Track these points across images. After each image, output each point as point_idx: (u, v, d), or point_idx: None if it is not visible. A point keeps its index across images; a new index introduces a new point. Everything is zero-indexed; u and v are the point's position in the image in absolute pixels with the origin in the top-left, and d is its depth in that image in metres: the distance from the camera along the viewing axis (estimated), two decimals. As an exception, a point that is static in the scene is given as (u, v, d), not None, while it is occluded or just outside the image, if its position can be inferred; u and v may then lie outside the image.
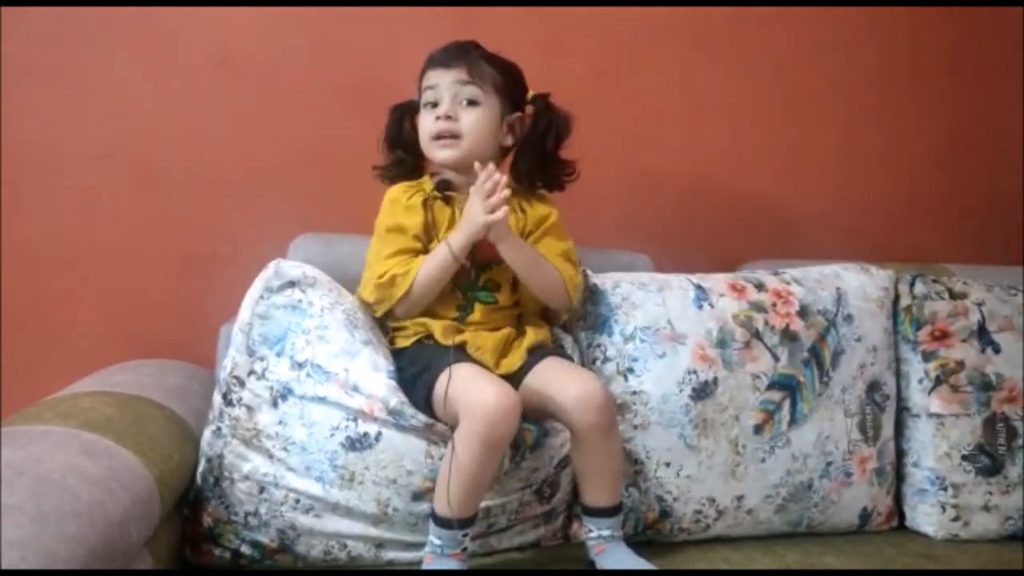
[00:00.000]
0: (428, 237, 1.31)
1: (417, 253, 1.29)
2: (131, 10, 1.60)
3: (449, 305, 1.30)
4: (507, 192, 1.22)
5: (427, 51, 1.33)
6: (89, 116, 1.61)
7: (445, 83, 1.28)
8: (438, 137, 1.29)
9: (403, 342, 1.31)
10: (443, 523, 1.14)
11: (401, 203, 1.31)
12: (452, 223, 1.31)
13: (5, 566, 0.76)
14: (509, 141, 1.34)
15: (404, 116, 1.35)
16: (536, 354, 1.28)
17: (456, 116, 1.28)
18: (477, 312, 1.31)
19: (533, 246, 1.31)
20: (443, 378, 1.19)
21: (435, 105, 1.30)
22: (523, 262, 1.28)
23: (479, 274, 1.31)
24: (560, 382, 1.21)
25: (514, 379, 1.23)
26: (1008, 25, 1.97)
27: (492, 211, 1.21)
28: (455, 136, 1.28)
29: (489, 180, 1.22)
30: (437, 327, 1.29)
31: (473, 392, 1.14)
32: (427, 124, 1.30)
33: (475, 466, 1.12)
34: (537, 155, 1.33)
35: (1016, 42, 1.97)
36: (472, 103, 1.28)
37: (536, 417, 1.26)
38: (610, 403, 1.22)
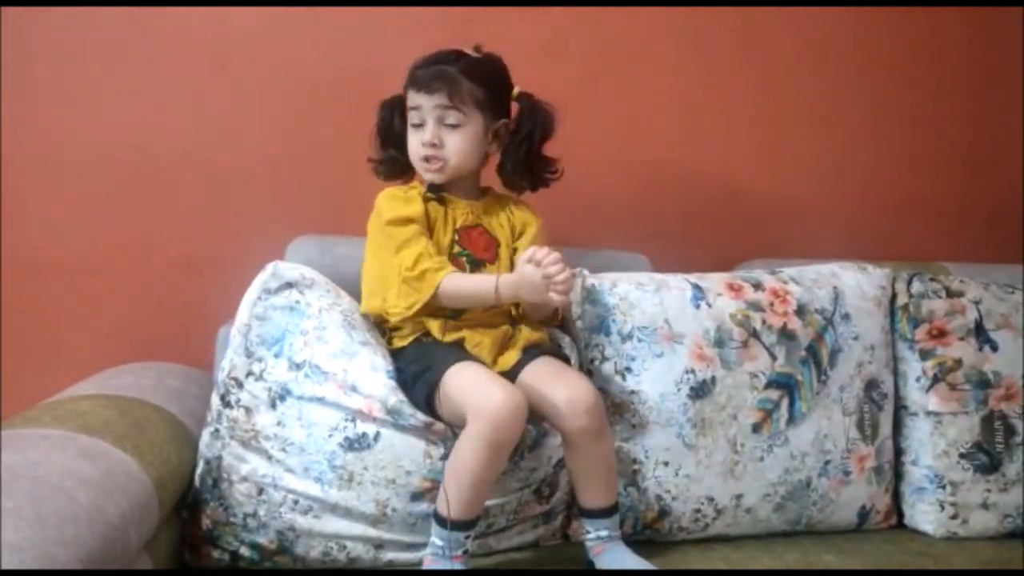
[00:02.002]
0: (429, 230, 1.31)
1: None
2: (130, 11, 1.60)
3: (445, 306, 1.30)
4: (572, 277, 1.19)
5: (427, 53, 1.33)
6: (86, 118, 1.61)
7: (428, 107, 1.30)
8: (425, 159, 1.31)
9: (401, 342, 1.31)
10: (446, 524, 1.14)
11: (399, 197, 1.33)
12: (446, 221, 1.32)
13: (4, 568, 0.76)
14: (494, 148, 1.35)
15: (394, 111, 1.36)
16: (530, 352, 1.28)
17: (441, 142, 1.30)
18: (472, 310, 1.31)
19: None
20: (447, 377, 1.19)
21: (420, 125, 1.31)
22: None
23: (473, 272, 1.32)
24: (549, 384, 1.21)
25: (508, 377, 1.23)
26: (1008, 25, 1.96)
27: (560, 293, 1.17)
28: (441, 159, 1.30)
29: (555, 264, 1.16)
30: (434, 324, 1.29)
31: (481, 393, 1.14)
32: (414, 145, 1.33)
33: (480, 468, 1.12)
34: (523, 154, 1.34)
35: (1016, 42, 1.96)
36: (455, 126, 1.30)
37: (530, 417, 1.25)
38: (599, 406, 1.22)
